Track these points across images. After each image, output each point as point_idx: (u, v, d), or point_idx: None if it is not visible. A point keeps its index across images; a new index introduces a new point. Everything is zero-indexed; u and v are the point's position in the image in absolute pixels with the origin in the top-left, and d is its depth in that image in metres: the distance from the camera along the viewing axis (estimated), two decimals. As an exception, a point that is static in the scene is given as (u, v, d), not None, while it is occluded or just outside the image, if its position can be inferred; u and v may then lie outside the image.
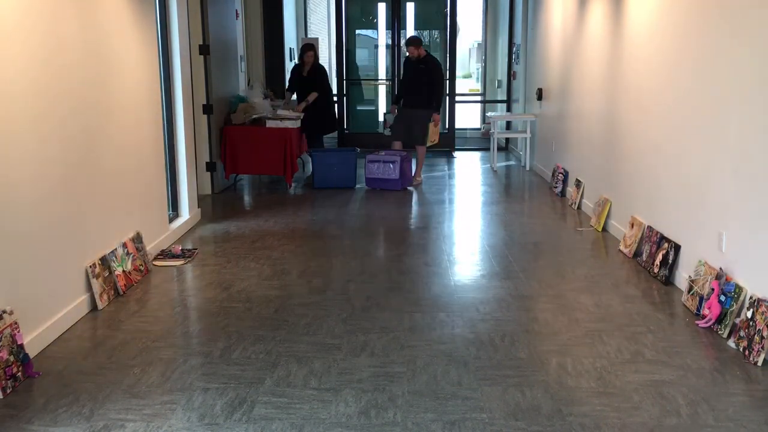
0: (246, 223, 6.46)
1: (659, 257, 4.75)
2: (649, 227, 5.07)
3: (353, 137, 11.43)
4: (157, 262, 5.13)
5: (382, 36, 12.17)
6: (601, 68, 6.40)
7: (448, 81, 11.59)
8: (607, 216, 6.06)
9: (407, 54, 8.50)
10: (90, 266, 4.20)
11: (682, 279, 4.48)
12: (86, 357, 3.57)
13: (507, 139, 11.56)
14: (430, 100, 8.37)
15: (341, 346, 3.69)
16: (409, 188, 8.17)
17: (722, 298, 3.83)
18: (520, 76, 10.58)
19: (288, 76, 11.04)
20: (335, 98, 10.58)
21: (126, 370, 3.40)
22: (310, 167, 8.76)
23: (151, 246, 5.22)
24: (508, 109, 11.71)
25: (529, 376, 3.34)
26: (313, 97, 8.74)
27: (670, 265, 4.59)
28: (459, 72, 14.30)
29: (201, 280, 4.86)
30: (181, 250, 5.40)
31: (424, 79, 8.29)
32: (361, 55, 12.44)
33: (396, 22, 11.29)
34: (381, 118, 12.28)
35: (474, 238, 6.13)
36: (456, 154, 11.22)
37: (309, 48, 8.89)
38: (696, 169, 4.36)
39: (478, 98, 13.90)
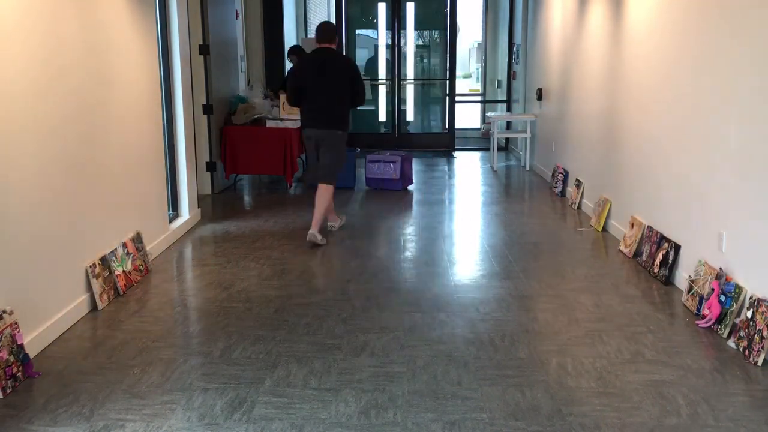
0: (246, 223, 6.46)
1: (659, 257, 4.75)
2: (649, 227, 5.07)
3: (353, 137, 11.40)
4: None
5: (382, 36, 12.17)
6: (601, 68, 6.41)
7: (448, 81, 11.60)
8: (607, 216, 6.06)
9: (316, 46, 5.79)
10: (90, 266, 4.20)
11: (682, 279, 4.48)
12: (86, 357, 3.57)
13: (507, 139, 11.56)
14: (348, 117, 5.91)
15: (341, 346, 3.69)
16: (329, 229, 6.05)
17: (722, 298, 3.83)
18: (520, 76, 10.58)
19: (285, 75, 11.05)
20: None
21: (126, 370, 3.40)
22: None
23: (151, 246, 5.22)
24: (508, 109, 11.72)
25: (529, 376, 3.34)
26: None
27: (670, 265, 4.59)
28: (459, 72, 14.29)
29: (201, 280, 4.86)
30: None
31: (343, 86, 5.75)
32: (361, 55, 12.44)
33: (396, 22, 11.29)
34: (382, 118, 12.29)
35: (474, 238, 6.13)
36: (456, 154, 11.22)
37: (291, 52, 9.04)
38: (696, 169, 4.36)
39: (478, 98, 13.91)
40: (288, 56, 9.23)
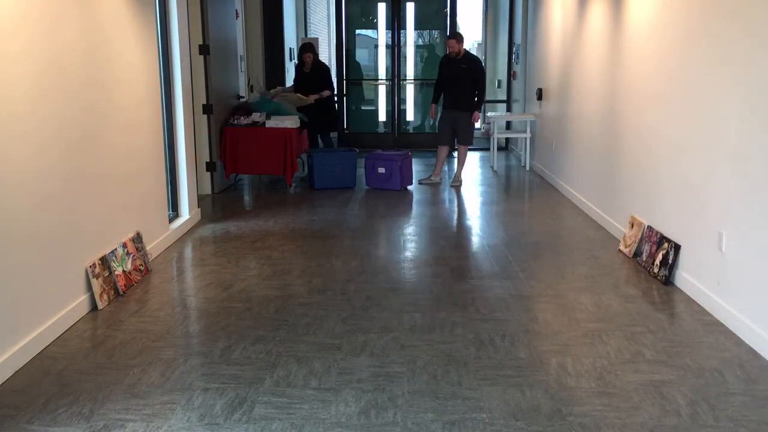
0: (246, 223, 6.46)
1: (659, 257, 4.75)
2: (649, 227, 5.07)
3: (353, 137, 11.43)
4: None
5: (382, 36, 12.17)
6: (601, 68, 6.40)
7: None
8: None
9: (447, 51, 8.39)
10: (90, 266, 4.20)
11: (682, 279, 4.48)
12: (86, 357, 3.57)
13: (507, 139, 11.56)
14: (474, 101, 8.34)
15: (341, 346, 3.69)
16: (451, 187, 8.30)
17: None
18: (520, 76, 10.58)
19: (288, 76, 11.04)
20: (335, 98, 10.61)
21: (126, 370, 3.40)
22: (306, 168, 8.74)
23: (151, 246, 5.22)
24: (508, 109, 11.71)
25: (529, 376, 3.34)
26: (327, 93, 8.84)
27: (670, 265, 4.59)
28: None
29: (201, 280, 4.86)
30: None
31: (468, 80, 8.27)
32: (361, 55, 12.44)
33: (396, 22, 11.29)
34: (382, 118, 12.29)
35: (474, 238, 6.13)
36: (456, 154, 11.19)
37: (307, 49, 8.90)
38: (696, 169, 4.36)
39: (478, 98, 13.90)
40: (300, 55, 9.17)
